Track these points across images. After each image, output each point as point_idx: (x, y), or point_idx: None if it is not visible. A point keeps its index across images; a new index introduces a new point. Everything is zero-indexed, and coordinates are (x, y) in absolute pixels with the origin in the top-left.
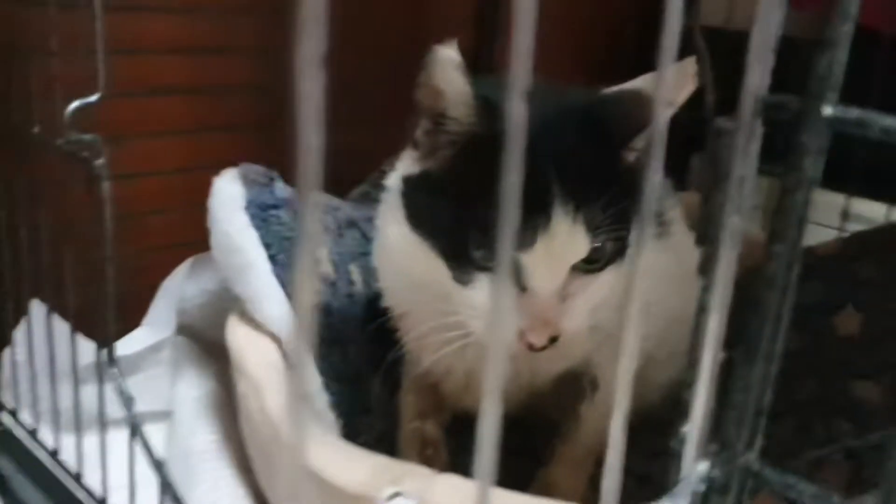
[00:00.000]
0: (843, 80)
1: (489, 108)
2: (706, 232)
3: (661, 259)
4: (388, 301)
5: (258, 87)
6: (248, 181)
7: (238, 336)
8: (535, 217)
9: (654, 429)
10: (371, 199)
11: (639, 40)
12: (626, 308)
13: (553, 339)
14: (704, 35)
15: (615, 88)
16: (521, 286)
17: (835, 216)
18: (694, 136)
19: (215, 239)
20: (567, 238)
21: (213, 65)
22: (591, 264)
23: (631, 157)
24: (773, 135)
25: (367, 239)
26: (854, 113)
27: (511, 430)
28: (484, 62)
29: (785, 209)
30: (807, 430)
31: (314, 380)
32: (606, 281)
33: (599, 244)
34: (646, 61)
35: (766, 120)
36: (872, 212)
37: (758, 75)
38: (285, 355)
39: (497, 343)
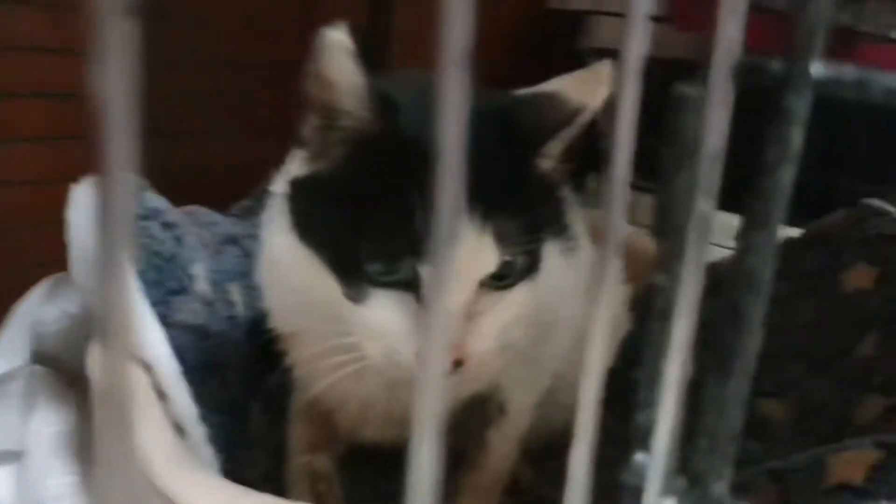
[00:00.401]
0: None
1: (386, 102)
2: (664, 223)
3: (568, 274)
4: (274, 321)
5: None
6: None
7: (101, 364)
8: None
9: (562, 455)
10: (255, 214)
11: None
12: (592, 326)
13: (458, 364)
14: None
15: (528, 90)
16: (422, 304)
17: (730, 237)
18: (589, 155)
19: (74, 254)
20: (474, 251)
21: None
22: (501, 281)
23: (545, 164)
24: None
25: (248, 256)
26: (851, 72)
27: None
28: (379, 50)
29: (765, 190)
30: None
31: (189, 410)
32: (517, 299)
33: (510, 258)
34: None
35: (738, 84)
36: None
37: (731, 30)
38: (156, 384)
39: (428, 367)
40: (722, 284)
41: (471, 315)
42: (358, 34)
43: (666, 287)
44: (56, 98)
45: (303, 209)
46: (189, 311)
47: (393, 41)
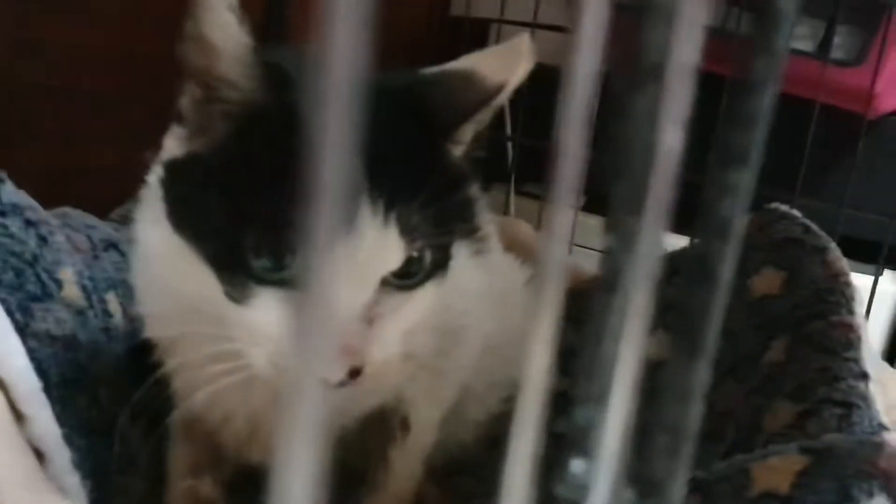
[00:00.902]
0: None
1: (275, 72)
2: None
3: (477, 278)
4: (149, 327)
5: None
6: None
7: None
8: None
9: (469, 472)
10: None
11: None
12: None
13: (355, 373)
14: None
15: (438, 68)
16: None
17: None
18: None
19: None
20: (376, 244)
21: None
22: (406, 279)
23: (457, 150)
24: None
25: (126, 260)
26: None
27: None
28: (275, 31)
29: (736, 139)
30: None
31: (51, 432)
32: (423, 300)
33: (416, 253)
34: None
35: None
36: None
37: None
38: (11, 402)
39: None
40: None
41: (371, 318)
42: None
43: (615, 249)
44: None
45: (179, 195)
46: (53, 320)
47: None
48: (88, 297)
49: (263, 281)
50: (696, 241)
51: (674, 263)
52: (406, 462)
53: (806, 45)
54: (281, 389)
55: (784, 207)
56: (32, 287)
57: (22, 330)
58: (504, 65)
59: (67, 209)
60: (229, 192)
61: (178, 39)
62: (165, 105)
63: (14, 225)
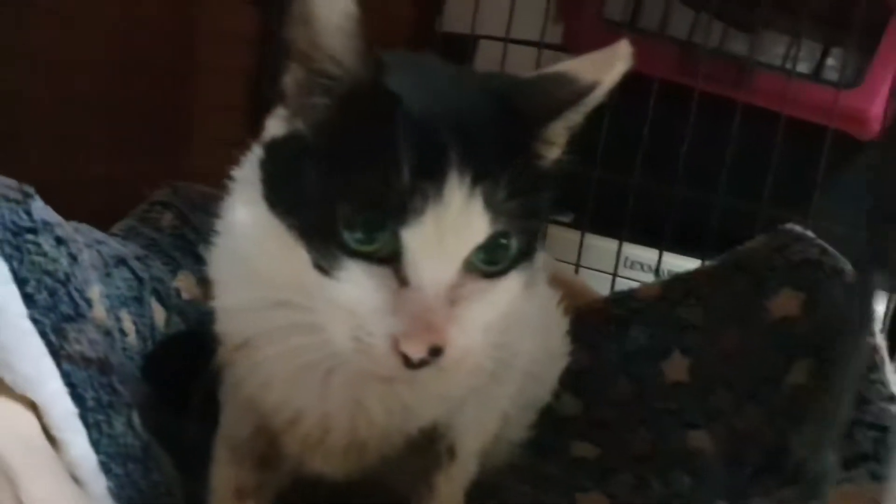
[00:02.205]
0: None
1: (375, 54)
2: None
3: (526, 307)
4: (225, 322)
5: None
6: None
7: None
8: (423, 183)
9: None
10: (138, 234)
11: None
12: None
13: (435, 352)
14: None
15: (534, 72)
16: (401, 279)
17: (610, 261)
18: None
19: None
20: (462, 213)
21: None
22: (492, 265)
23: (550, 152)
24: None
25: (139, 280)
26: None
27: None
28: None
29: None
30: (645, 487)
31: (87, 459)
32: (508, 289)
33: (501, 229)
34: None
35: None
36: (646, 258)
37: None
38: (46, 428)
39: None
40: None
41: (454, 299)
42: None
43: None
44: None
45: (277, 174)
46: (87, 342)
47: (283, 58)
48: (109, 317)
49: (354, 254)
50: (706, 262)
51: (688, 285)
52: (451, 490)
53: (804, 68)
54: (358, 368)
55: (799, 229)
56: (66, 307)
57: (56, 352)
58: (599, 66)
59: (76, 224)
60: (327, 167)
61: (171, 52)
62: (159, 119)
63: (46, 243)
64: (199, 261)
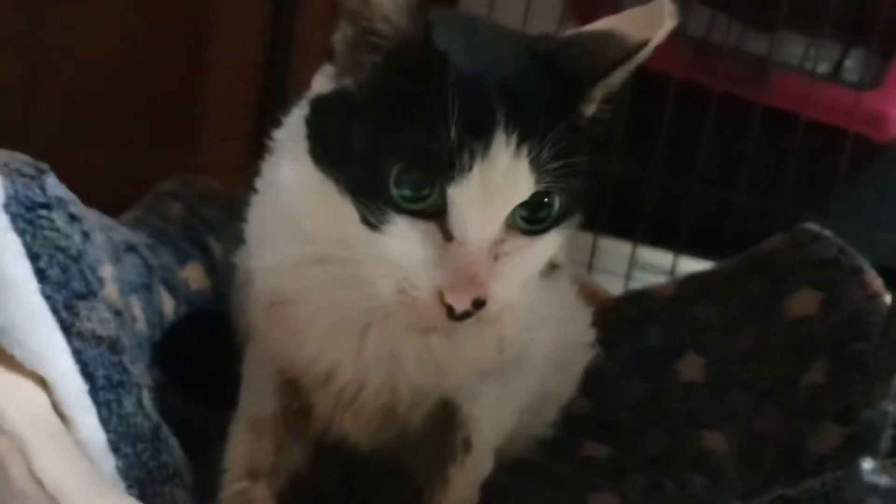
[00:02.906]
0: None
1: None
2: None
3: (548, 297)
4: (263, 283)
5: None
6: (8, 172)
7: None
8: (470, 141)
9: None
10: (147, 224)
11: None
12: None
13: (478, 304)
14: None
15: (578, 30)
16: (447, 234)
17: (622, 263)
18: None
19: None
20: (508, 172)
21: None
22: (534, 224)
23: (588, 109)
24: None
25: (149, 268)
26: None
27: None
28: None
29: None
30: (658, 488)
31: (96, 437)
32: (547, 247)
33: (545, 188)
34: None
35: None
36: (661, 260)
37: None
38: (56, 405)
39: None
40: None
41: (497, 254)
42: None
43: None
44: None
45: (324, 130)
46: (98, 320)
47: (294, 53)
48: (121, 300)
49: (401, 209)
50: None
51: (703, 284)
52: (465, 483)
53: (823, 69)
54: (401, 319)
55: (816, 228)
56: (78, 284)
57: (67, 329)
58: (645, 24)
59: (85, 209)
60: (375, 125)
61: (184, 45)
62: (163, 113)
63: (59, 219)
64: (208, 252)
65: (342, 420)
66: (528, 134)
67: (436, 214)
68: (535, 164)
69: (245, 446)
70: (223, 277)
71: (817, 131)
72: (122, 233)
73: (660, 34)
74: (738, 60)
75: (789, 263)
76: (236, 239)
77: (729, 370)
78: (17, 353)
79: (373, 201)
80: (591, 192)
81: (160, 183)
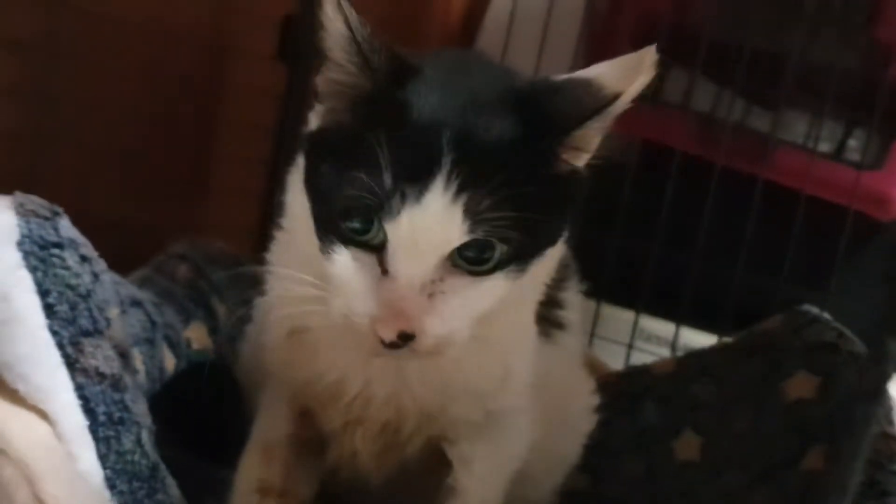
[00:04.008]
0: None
1: (369, 58)
2: None
3: (552, 352)
4: (280, 312)
5: None
6: (24, 212)
7: None
8: (405, 186)
9: None
10: (153, 283)
11: None
12: None
13: (406, 337)
14: None
15: (565, 76)
16: (383, 268)
17: (625, 331)
18: None
19: None
20: (440, 218)
21: None
22: (476, 265)
23: (578, 159)
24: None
25: (153, 323)
26: None
27: None
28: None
29: None
30: None
31: (94, 473)
32: (493, 289)
33: (482, 238)
34: None
35: None
36: (663, 330)
37: None
38: (57, 437)
39: None
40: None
41: (434, 293)
42: None
43: None
44: None
45: (309, 163)
46: (102, 357)
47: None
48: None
49: (348, 241)
50: (722, 339)
51: (702, 362)
52: None
53: (825, 148)
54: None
55: (816, 311)
56: (85, 322)
57: (71, 365)
58: (627, 74)
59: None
60: (335, 161)
61: (197, 103)
62: (177, 167)
63: (71, 258)
64: (212, 313)
65: (351, 437)
66: (469, 183)
67: (378, 249)
68: (472, 213)
69: (256, 468)
70: (228, 335)
71: (819, 208)
72: (129, 288)
73: (634, 87)
74: (741, 136)
75: (787, 346)
76: (250, 284)
77: (725, 451)
78: (21, 388)
79: (327, 231)
80: (594, 260)
81: (170, 244)
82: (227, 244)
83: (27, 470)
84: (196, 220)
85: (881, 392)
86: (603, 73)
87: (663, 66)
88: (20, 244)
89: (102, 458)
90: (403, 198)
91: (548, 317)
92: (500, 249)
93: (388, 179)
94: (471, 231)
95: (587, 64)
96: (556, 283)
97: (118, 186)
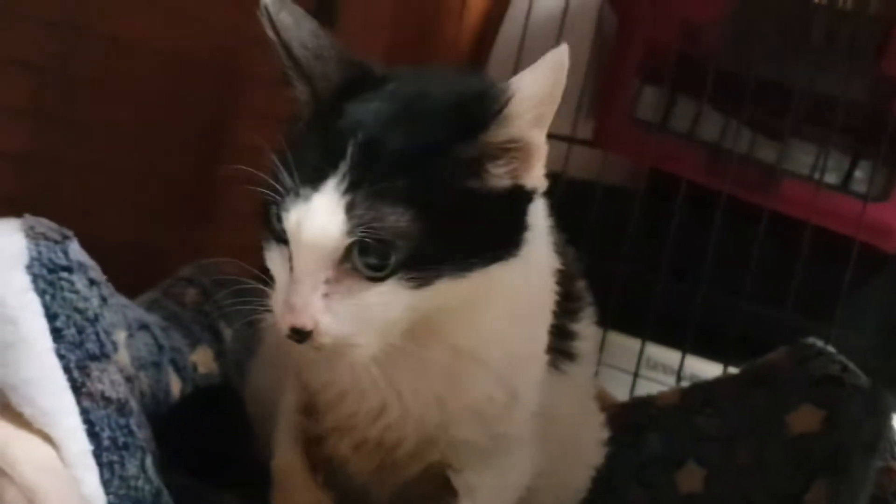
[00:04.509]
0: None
1: (307, 64)
2: None
3: (562, 387)
4: None
5: None
6: (33, 235)
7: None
8: (305, 184)
9: None
10: (161, 307)
11: None
12: None
13: (300, 333)
14: None
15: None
16: (291, 265)
17: (631, 359)
18: None
19: None
20: (324, 217)
21: None
22: (373, 270)
23: (500, 174)
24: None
25: (159, 347)
26: None
27: None
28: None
29: None
30: None
31: (96, 497)
32: (388, 296)
33: (370, 243)
34: None
35: None
36: (668, 358)
37: None
38: (64, 460)
39: None
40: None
41: (329, 293)
42: None
43: None
44: None
45: None
46: (109, 382)
47: None
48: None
49: (269, 236)
50: (727, 370)
51: (707, 394)
52: None
53: (832, 179)
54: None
55: (820, 343)
56: (92, 346)
57: (77, 389)
58: (532, 79)
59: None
60: (276, 166)
61: (208, 128)
62: (187, 190)
63: (80, 282)
64: (219, 337)
65: (340, 443)
66: (360, 187)
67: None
68: (356, 216)
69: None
70: (235, 359)
71: (824, 239)
72: (137, 311)
73: (527, 89)
74: (748, 166)
75: (792, 378)
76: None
77: (729, 483)
78: (27, 411)
79: (263, 229)
80: (600, 287)
81: (178, 267)
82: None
83: (31, 493)
84: (205, 244)
85: (884, 426)
86: (518, 77)
87: (670, 95)
88: (29, 267)
89: (106, 482)
90: (297, 196)
91: (560, 348)
92: (396, 257)
93: (289, 179)
94: (350, 233)
95: (597, 90)
96: (570, 314)
97: (128, 209)
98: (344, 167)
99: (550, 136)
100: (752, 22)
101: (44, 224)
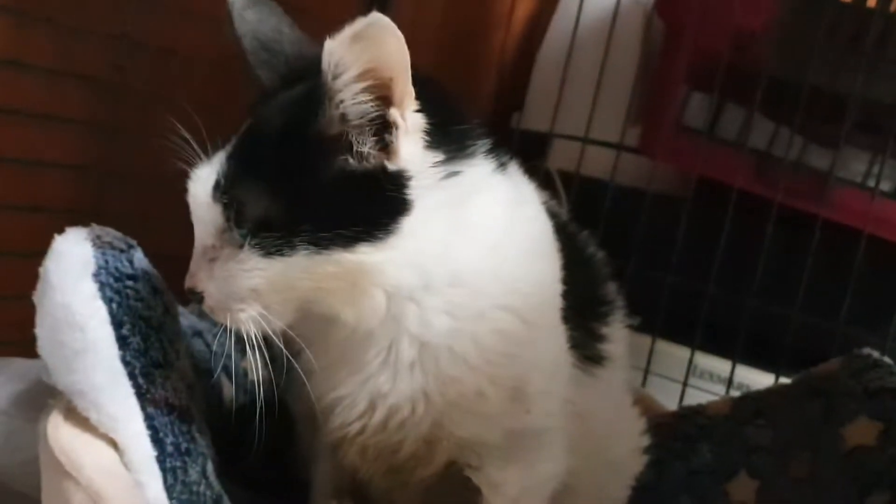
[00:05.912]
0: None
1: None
2: None
3: (591, 388)
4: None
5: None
6: (100, 244)
7: (63, 436)
8: (206, 159)
9: None
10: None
11: None
12: None
13: (194, 294)
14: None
15: None
16: None
17: (680, 368)
18: None
19: (46, 312)
20: (200, 185)
21: None
22: (243, 239)
23: (358, 153)
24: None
25: (212, 353)
26: None
27: None
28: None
29: None
30: None
31: (161, 502)
32: (243, 263)
33: (223, 203)
34: None
35: None
36: (719, 368)
37: None
38: (125, 466)
39: None
40: (704, 429)
41: (214, 257)
42: None
43: None
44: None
45: None
46: (171, 389)
47: None
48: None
49: None
50: (779, 380)
51: (758, 404)
52: None
53: (886, 187)
54: None
55: (876, 354)
56: (156, 353)
57: (142, 395)
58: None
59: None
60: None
61: None
62: None
63: (144, 290)
64: (268, 342)
65: (357, 463)
66: (233, 159)
67: None
68: (223, 186)
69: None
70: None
71: (879, 248)
72: (190, 318)
73: (329, 49)
74: (799, 174)
75: (847, 390)
76: None
77: (781, 495)
78: (93, 417)
79: None
80: (649, 296)
81: None
82: None
83: (97, 497)
84: None
85: None
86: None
87: (718, 103)
88: (96, 275)
89: (169, 488)
90: (195, 169)
91: (586, 349)
92: (248, 223)
93: (202, 155)
94: (216, 199)
95: (643, 101)
96: (599, 317)
97: (180, 219)
98: (231, 144)
99: (598, 143)
100: (802, 28)
101: (110, 233)
